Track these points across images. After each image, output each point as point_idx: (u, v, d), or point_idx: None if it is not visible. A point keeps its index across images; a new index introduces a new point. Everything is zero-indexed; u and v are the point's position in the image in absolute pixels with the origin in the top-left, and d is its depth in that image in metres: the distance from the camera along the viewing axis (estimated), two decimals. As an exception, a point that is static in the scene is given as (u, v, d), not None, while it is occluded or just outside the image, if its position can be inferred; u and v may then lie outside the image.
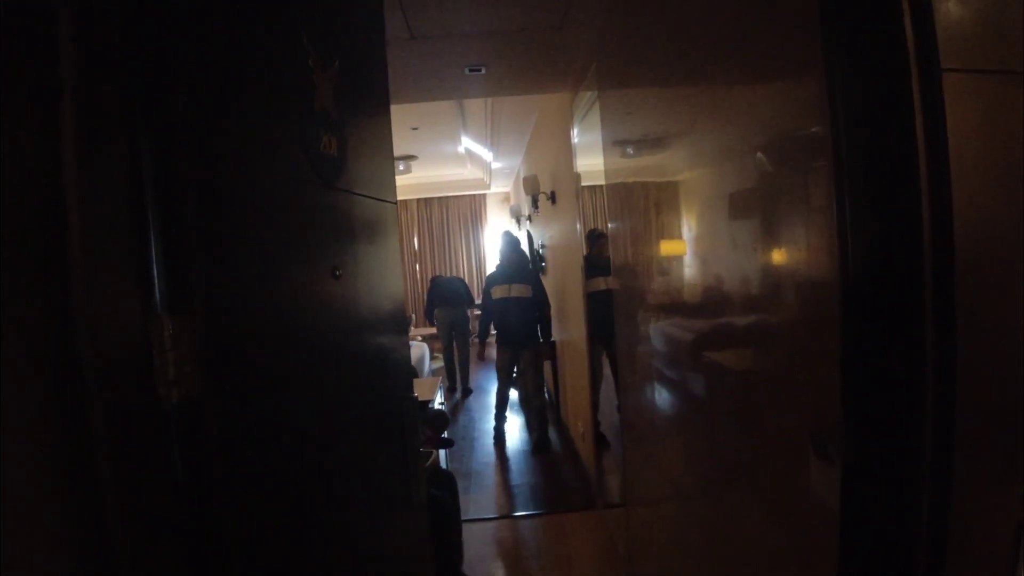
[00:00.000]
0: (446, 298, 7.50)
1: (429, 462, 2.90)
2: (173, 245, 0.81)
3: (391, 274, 1.49)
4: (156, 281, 0.79)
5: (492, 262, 10.22)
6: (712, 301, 1.54)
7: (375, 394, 1.36)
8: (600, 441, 3.99)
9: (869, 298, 0.82)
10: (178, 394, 0.81)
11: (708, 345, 1.59)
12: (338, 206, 1.24)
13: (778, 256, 1.17)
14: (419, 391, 3.80)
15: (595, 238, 4.02)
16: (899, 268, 0.78)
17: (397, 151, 7.22)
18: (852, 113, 0.80)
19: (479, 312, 8.24)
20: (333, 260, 1.19)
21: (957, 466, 0.79)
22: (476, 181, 10.09)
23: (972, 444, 0.79)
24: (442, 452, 3.79)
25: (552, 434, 5.37)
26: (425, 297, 8.17)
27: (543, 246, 6.08)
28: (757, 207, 1.25)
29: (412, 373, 5.08)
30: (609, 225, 2.89)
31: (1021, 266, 0.78)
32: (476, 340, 6.61)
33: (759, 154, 1.19)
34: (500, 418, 5.57)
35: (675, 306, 1.87)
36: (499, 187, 10.55)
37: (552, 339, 5.43)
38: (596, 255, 4.00)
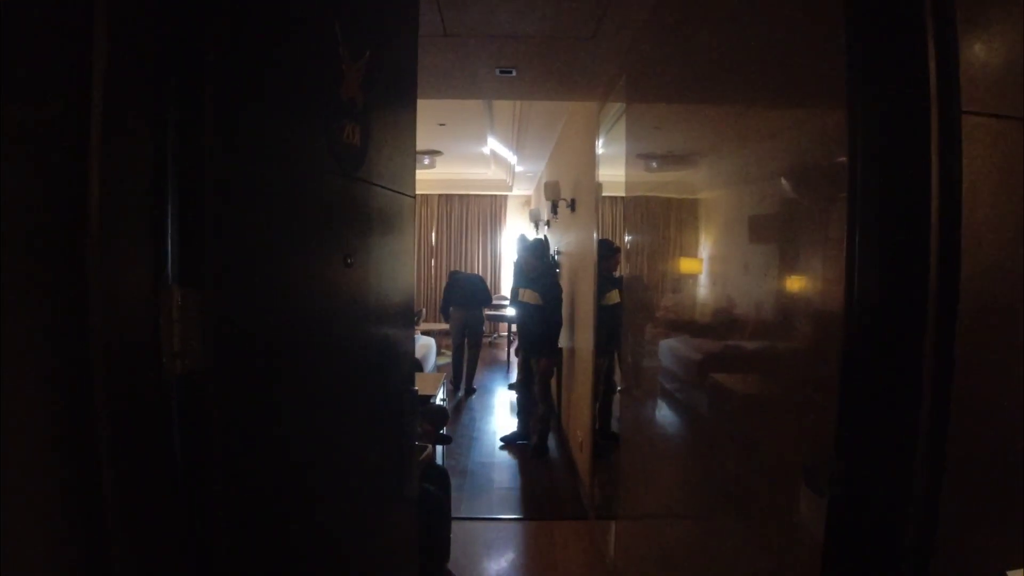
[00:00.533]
0: (463, 297, 7.21)
1: (424, 456, 2.91)
2: (189, 219, 0.82)
3: (403, 267, 1.50)
4: (170, 253, 0.81)
5: (508, 263, 10.26)
6: (720, 322, 1.54)
7: (376, 383, 1.37)
8: (598, 450, 3.99)
9: (871, 335, 0.82)
10: (182, 366, 0.82)
11: (712, 366, 1.59)
12: (356, 195, 1.25)
13: (788, 284, 1.17)
14: (422, 386, 3.82)
15: (611, 253, 3.99)
16: (903, 308, 0.78)
17: (423, 145, 7.26)
18: (870, 148, 0.80)
19: (491, 312, 8.24)
20: (346, 248, 1.20)
21: (943, 511, 0.78)
22: (498, 182, 10.12)
23: (960, 490, 0.79)
24: (439, 448, 3.80)
25: (551, 441, 5.37)
26: (442, 292, 7.92)
27: (558, 252, 6.08)
28: (772, 233, 1.25)
29: (416, 366, 5.09)
30: (626, 237, 2.89)
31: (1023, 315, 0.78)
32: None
33: (783, 180, 1.19)
34: (521, 423, 5.57)
35: (683, 324, 1.87)
36: (521, 190, 10.57)
37: (559, 349, 5.42)
38: (605, 271, 3.99)
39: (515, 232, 9.43)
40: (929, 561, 0.80)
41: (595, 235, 3.92)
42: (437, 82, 3.38)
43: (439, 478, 2.98)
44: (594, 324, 3.94)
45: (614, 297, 3.84)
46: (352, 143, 1.21)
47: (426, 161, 7.94)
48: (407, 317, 1.59)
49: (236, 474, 0.90)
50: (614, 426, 4.05)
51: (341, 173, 1.19)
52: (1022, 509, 0.82)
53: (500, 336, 10.38)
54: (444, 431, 3.54)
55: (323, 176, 1.13)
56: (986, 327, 0.77)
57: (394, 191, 1.40)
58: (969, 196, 0.74)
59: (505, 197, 10.92)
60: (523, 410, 5.60)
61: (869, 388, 0.82)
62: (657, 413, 2.18)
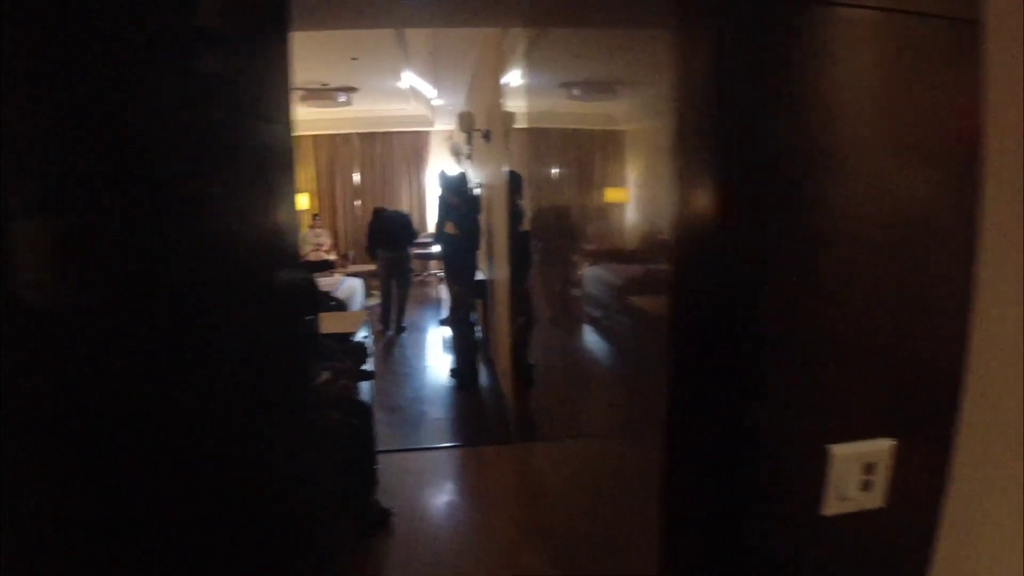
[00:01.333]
0: (388, 236, 7.00)
1: (341, 388, 2.95)
2: (30, 153, 0.81)
3: (282, 197, 1.48)
4: (10, 187, 0.80)
5: (433, 200, 10.17)
6: (613, 248, 1.61)
7: (256, 313, 1.36)
8: (524, 377, 4.11)
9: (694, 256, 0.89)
10: (38, 296, 0.82)
11: (629, 290, 1.65)
12: (220, 125, 1.22)
13: (654, 212, 1.22)
14: (342, 325, 3.82)
15: (515, 186, 4.00)
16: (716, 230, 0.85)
17: (336, 81, 7.02)
18: (731, 56, 0.83)
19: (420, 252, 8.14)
20: (212, 179, 1.18)
21: (769, 392, 0.87)
22: (420, 118, 9.92)
23: (782, 372, 0.88)
24: (366, 385, 3.84)
25: (480, 369, 5.49)
26: (367, 232, 7.34)
27: (479, 185, 6.07)
28: (665, 160, 1.29)
29: (339, 307, 5.03)
30: (536, 168, 2.92)
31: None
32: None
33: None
34: (457, 358, 5.63)
35: (597, 252, 1.92)
36: (443, 125, 10.39)
37: (478, 279, 5.51)
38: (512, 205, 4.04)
39: (440, 168, 9.32)
40: (758, 435, 0.89)
41: (504, 168, 3.93)
42: (332, 7, 3.24)
43: (359, 411, 3.03)
44: (509, 253, 4.00)
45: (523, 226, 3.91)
46: (213, 70, 1.18)
47: (342, 98, 7.68)
48: (291, 247, 1.57)
49: (104, 396, 0.91)
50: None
51: (203, 101, 1.16)
52: (836, 392, 0.91)
53: (430, 274, 10.37)
54: (367, 367, 3.58)
55: (183, 105, 1.10)
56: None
57: (265, 120, 1.37)
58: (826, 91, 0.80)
59: (428, 133, 10.72)
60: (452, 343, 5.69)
61: (694, 299, 0.90)
62: (570, 338, 2.26)
